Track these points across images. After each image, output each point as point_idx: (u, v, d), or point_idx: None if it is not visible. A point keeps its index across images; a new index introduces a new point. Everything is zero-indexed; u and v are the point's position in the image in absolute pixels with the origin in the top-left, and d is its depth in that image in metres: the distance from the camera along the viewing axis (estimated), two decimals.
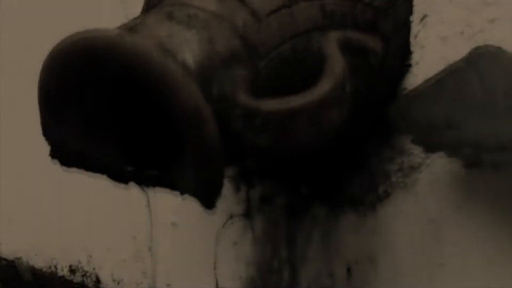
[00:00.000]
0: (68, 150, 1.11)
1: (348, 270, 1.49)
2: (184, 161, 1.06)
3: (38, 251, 1.84)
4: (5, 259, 1.88)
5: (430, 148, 1.29)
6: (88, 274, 1.79)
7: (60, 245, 1.81)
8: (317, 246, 1.52)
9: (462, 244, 1.37)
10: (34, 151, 1.77)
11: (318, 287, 1.52)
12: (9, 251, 1.87)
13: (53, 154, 1.14)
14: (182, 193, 1.15)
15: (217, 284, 1.64)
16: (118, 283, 1.76)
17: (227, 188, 1.56)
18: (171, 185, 1.13)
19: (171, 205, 1.62)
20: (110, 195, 1.71)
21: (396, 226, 1.43)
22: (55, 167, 1.76)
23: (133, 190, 1.67)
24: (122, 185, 1.15)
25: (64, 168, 1.16)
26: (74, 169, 1.16)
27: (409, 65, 1.38)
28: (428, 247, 1.41)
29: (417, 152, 1.41)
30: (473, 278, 1.37)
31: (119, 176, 1.15)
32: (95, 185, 1.73)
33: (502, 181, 1.30)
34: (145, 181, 1.15)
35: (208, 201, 1.10)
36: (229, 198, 1.57)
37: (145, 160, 1.13)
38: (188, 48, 1.01)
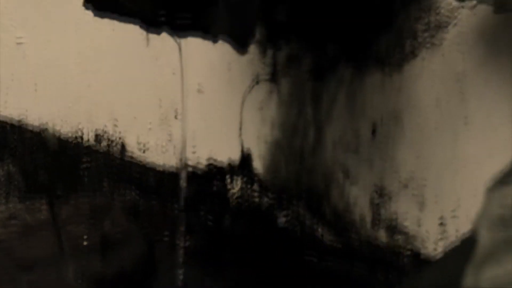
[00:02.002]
0: None
1: (373, 129, 1.51)
2: (219, 3, 1.07)
3: (64, 119, 1.85)
4: (31, 129, 1.90)
5: None
6: (114, 141, 1.82)
7: (86, 113, 1.83)
8: (343, 106, 1.54)
9: (487, 100, 1.39)
10: (59, 18, 1.78)
11: (343, 147, 1.54)
12: (35, 120, 1.89)
13: None
14: (215, 35, 1.16)
15: (242, 148, 1.66)
16: (144, 149, 1.78)
17: (253, 52, 1.57)
18: (205, 29, 1.14)
19: (198, 70, 1.63)
20: (137, 61, 1.72)
21: (422, 85, 1.45)
22: (81, 33, 1.78)
23: (160, 53, 1.69)
24: (155, 31, 1.15)
25: (97, 13, 1.17)
26: (107, 14, 1.17)
27: None
28: (453, 104, 1.42)
29: (444, 11, 1.42)
30: (497, 133, 1.39)
31: (152, 21, 1.16)
32: (121, 51, 1.74)
33: None
34: (178, 25, 1.16)
35: (243, 41, 1.12)
36: (255, 62, 1.59)
37: (178, 4, 1.14)
38: None
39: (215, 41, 1.25)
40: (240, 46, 1.09)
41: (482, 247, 0.63)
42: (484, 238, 0.64)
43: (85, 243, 1.58)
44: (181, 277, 1.47)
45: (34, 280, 1.47)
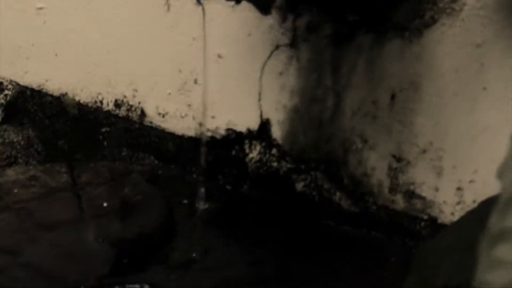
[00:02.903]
0: None
1: (392, 97, 1.52)
2: None
3: (84, 86, 1.87)
4: (51, 95, 1.91)
5: None
6: (133, 108, 1.83)
7: (106, 80, 1.84)
8: (362, 73, 1.55)
9: (506, 68, 1.40)
10: None
11: (362, 114, 1.55)
12: (55, 87, 1.90)
13: None
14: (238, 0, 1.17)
15: (261, 115, 1.67)
16: (163, 116, 1.80)
17: (274, 18, 1.58)
18: None
19: (217, 37, 1.64)
20: (157, 27, 1.74)
21: (441, 52, 1.45)
22: (101, 0, 1.79)
23: (180, 19, 1.70)
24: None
25: None
26: None
27: None
28: (472, 72, 1.43)
29: None
30: None
31: None
32: (141, 17, 1.75)
33: None
34: None
35: (265, 4, 1.13)
36: (275, 29, 1.60)
37: None
38: None
39: (238, 1, 1.25)
40: (262, 9, 1.10)
41: (507, 191, 0.64)
42: (508, 182, 0.65)
43: (105, 204, 1.59)
44: (200, 239, 1.49)
45: (54, 239, 1.49)
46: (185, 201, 1.64)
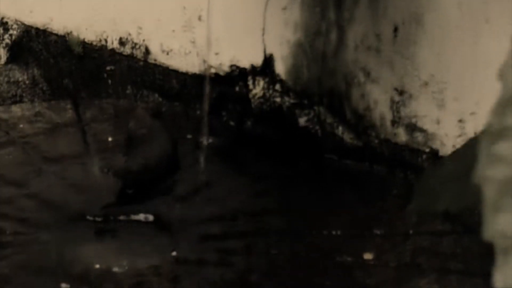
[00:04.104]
0: None
1: (395, 30, 1.52)
2: None
3: (89, 25, 1.87)
4: (56, 34, 1.92)
5: None
6: (137, 46, 1.84)
7: (110, 18, 1.85)
8: (365, 7, 1.55)
9: (509, 1, 1.40)
10: None
11: (365, 47, 1.56)
12: (60, 26, 1.91)
13: None
14: None
15: (265, 50, 1.68)
16: (167, 53, 1.81)
17: None
18: None
19: None
20: None
21: None
22: None
23: None
24: None
25: None
26: None
27: None
28: (474, 4, 1.43)
29: None
30: None
31: None
32: None
33: None
34: None
35: None
36: None
37: None
38: None
39: None
40: None
41: (507, 91, 0.65)
42: (509, 83, 0.66)
43: (110, 139, 1.61)
44: (203, 172, 1.51)
45: (60, 171, 1.51)
46: (189, 136, 1.66)
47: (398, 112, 1.54)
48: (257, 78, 1.70)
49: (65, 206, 1.42)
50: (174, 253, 1.32)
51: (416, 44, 1.50)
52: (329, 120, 1.62)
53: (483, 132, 0.65)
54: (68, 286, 1.23)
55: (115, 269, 1.27)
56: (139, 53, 1.85)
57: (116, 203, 1.44)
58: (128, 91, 1.86)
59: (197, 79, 1.76)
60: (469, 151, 1.17)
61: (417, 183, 1.27)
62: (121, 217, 1.41)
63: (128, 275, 1.26)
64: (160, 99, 1.82)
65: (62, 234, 1.35)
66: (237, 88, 1.73)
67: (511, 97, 0.66)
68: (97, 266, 1.28)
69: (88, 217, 1.40)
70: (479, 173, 0.63)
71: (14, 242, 1.33)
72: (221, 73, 1.73)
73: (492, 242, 0.61)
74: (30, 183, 1.48)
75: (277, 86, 1.67)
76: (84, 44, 1.91)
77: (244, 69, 1.71)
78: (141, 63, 1.84)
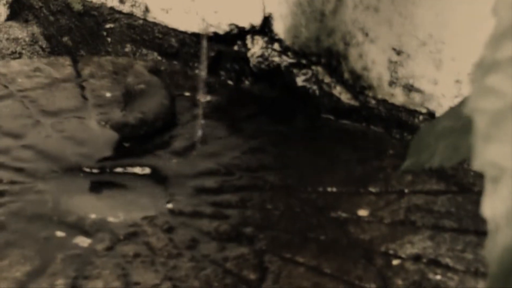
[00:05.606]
0: None
1: None
2: None
3: None
4: None
5: None
6: (137, 4, 1.84)
7: None
8: None
9: None
10: None
11: (363, 7, 1.56)
12: None
13: None
14: None
15: (264, 9, 1.68)
16: (167, 11, 1.80)
17: None
18: None
19: None
20: None
21: None
22: None
23: None
24: None
25: None
26: None
27: None
28: None
29: None
30: None
31: None
32: None
33: None
34: None
35: None
36: None
37: None
38: None
39: None
40: None
41: (500, 25, 0.65)
42: (502, 17, 0.66)
43: (108, 95, 1.61)
44: (200, 128, 1.51)
45: (57, 124, 1.51)
46: (187, 94, 1.66)
47: (395, 72, 1.54)
48: (256, 37, 1.70)
49: (62, 158, 1.42)
50: (169, 205, 1.33)
51: (414, 2, 1.50)
52: (326, 80, 1.63)
53: (476, 65, 0.65)
54: (63, 233, 1.24)
55: (110, 219, 1.28)
56: (138, 11, 1.85)
57: (113, 156, 1.45)
58: (127, 49, 1.86)
59: (196, 37, 1.76)
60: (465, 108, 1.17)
61: (412, 140, 1.28)
62: (118, 170, 1.42)
63: (123, 225, 1.27)
64: (159, 58, 1.82)
65: (58, 184, 1.36)
66: (235, 47, 1.73)
67: (504, 32, 0.66)
68: (93, 216, 1.29)
69: (84, 169, 1.41)
70: (471, 104, 0.63)
71: (11, 191, 1.33)
72: (220, 32, 1.73)
73: (482, 171, 0.61)
74: (28, 134, 1.48)
75: (276, 46, 1.67)
76: (83, 1, 1.91)
77: (243, 28, 1.71)
78: (141, 21, 1.84)
